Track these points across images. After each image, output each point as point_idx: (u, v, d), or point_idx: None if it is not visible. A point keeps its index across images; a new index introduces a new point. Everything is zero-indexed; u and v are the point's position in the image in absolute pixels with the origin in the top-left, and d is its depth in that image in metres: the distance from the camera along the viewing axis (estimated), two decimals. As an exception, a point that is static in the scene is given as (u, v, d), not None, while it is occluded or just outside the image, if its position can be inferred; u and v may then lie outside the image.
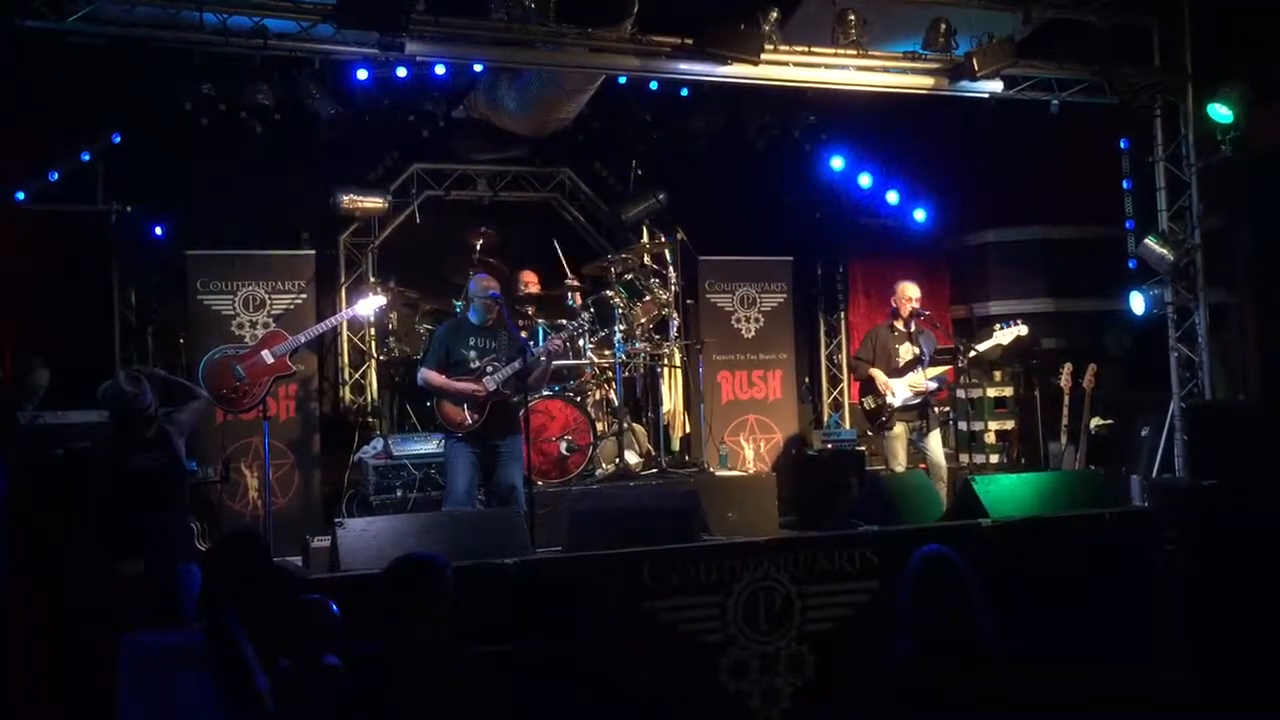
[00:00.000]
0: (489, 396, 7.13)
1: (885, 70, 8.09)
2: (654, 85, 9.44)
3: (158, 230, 8.98)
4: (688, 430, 10.21)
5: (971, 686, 3.45)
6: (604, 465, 8.79)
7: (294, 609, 3.93)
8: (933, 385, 8.44)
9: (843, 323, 11.59)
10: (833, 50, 7.86)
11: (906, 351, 8.57)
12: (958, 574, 3.58)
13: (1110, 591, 5.70)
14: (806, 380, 11.35)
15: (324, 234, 10.09)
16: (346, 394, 10.22)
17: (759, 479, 9.18)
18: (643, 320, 9.09)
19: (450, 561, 3.83)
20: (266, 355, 7.94)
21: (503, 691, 3.69)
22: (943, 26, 7.94)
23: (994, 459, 10.05)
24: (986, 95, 8.29)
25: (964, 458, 9.80)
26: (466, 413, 7.16)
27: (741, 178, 10.67)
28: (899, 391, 8.49)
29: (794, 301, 10.68)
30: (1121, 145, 9.04)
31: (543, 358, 7.38)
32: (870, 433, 9.20)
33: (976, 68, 7.80)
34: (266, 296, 8.83)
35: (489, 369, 7.18)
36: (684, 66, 7.82)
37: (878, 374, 8.54)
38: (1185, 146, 8.76)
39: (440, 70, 8.76)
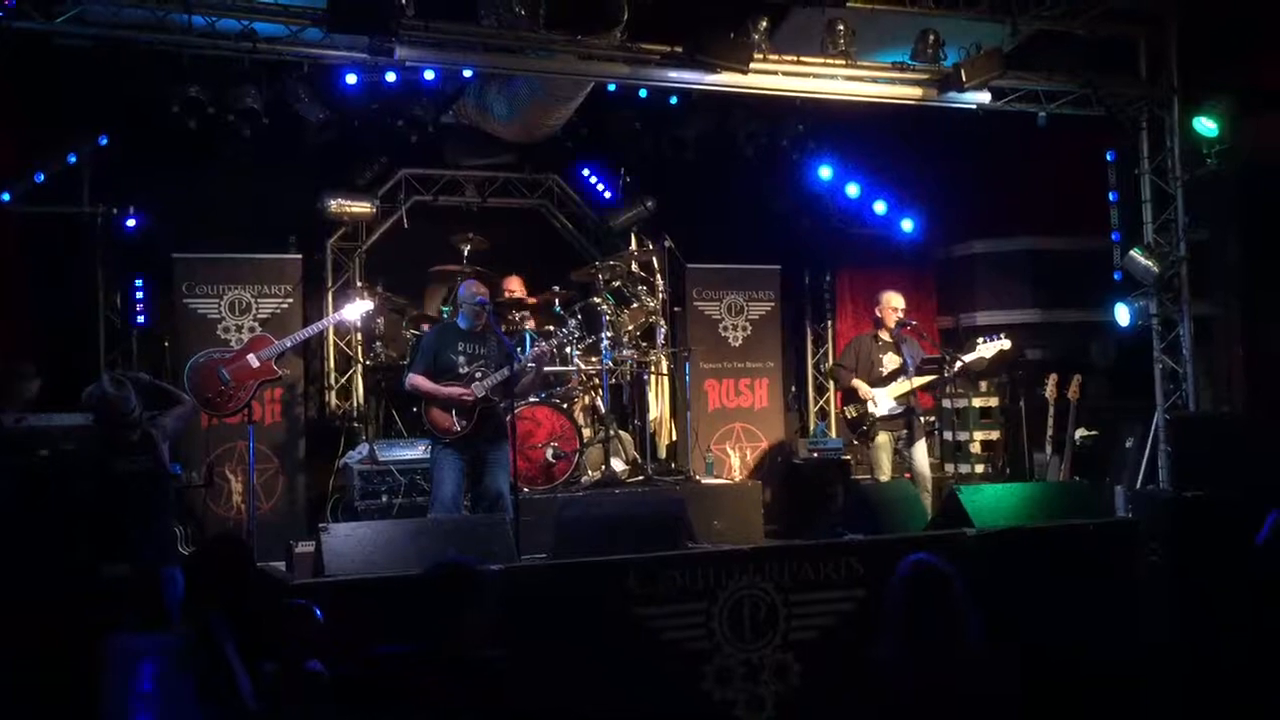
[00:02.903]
0: (477, 403, 7.11)
1: (874, 80, 8.10)
2: (643, 93, 9.44)
3: (130, 222, 8.90)
4: (674, 438, 10.21)
5: (958, 693, 3.46)
6: (590, 472, 8.77)
7: (278, 613, 3.92)
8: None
9: (830, 332, 11.59)
10: (822, 60, 7.87)
11: (891, 361, 8.60)
12: (946, 580, 3.59)
13: (1094, 601, 5.72)
14: (793, 389, 11.37)
15: (311, 238, 10.06)
16: (332, 399, 10.18)
17: (745, 487, 9.18)
18: (630, 327, 9.09)
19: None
20: (252, 359, 7.91)
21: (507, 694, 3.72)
22: (931, 37, 7.96)
23: (979, 469, 10.05)
24: (974, 106, 8.31)
25: (949, 467, 9.84)
26: (454, 419, 7.11)
27: (730, 186, 10.68)
28: (882, 401, 8.51)
29: (781, 310, 10.71)
30: (1108, 157, 9.08)
31: (530, 364, 7.37)
32: (855, 441, 9.21)
33: (964, 79, 7.82)
34: (253, 300, 8.82)
35: (477, 375, 7.14)
36: (673, 74, 7.82)
37: (860, 384, 8.56)
38: (1171, 159, 8.78)
39: (429, 76, 8.75)
